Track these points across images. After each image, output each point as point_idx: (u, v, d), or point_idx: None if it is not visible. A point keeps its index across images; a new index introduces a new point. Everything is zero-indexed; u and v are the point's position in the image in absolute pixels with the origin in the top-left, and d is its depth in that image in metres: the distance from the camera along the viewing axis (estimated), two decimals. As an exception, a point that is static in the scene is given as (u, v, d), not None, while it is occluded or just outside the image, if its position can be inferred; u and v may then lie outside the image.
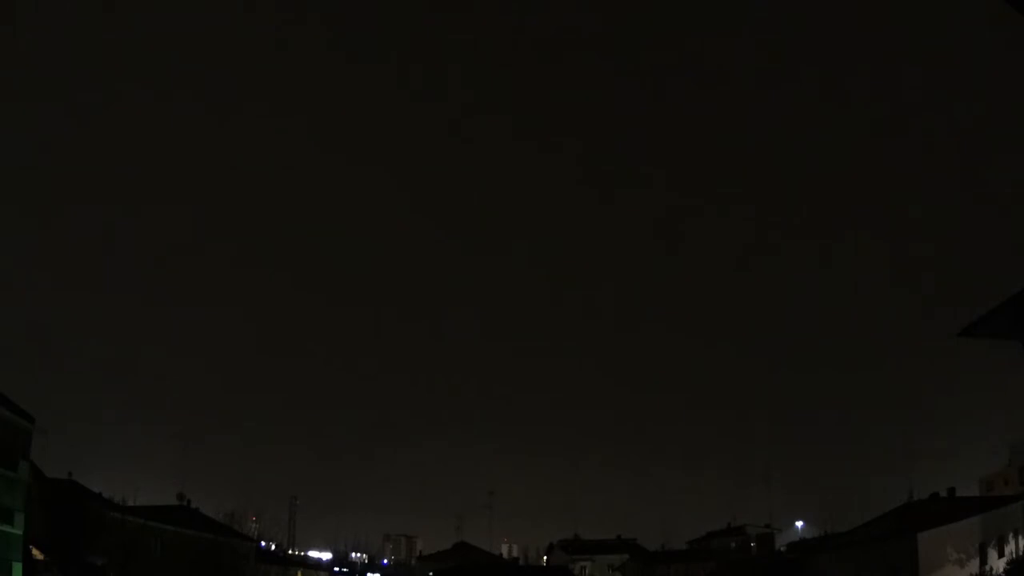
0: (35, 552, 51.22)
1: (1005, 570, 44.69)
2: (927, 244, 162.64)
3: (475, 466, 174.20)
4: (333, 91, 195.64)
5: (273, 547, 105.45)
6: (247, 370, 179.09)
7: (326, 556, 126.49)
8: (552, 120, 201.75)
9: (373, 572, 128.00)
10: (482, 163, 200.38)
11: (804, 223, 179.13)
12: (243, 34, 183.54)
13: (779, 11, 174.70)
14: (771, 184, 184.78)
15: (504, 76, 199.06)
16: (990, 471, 71.66)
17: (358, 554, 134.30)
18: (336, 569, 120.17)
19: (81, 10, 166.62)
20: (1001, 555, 46.19)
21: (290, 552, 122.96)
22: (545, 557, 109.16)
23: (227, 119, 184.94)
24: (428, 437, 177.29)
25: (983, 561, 46.34)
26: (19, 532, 47.92)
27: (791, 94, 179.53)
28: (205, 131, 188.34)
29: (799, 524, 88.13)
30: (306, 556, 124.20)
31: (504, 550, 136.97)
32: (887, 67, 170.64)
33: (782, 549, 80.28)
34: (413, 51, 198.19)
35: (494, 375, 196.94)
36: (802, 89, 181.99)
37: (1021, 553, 45.06)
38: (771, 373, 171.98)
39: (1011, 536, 46.39)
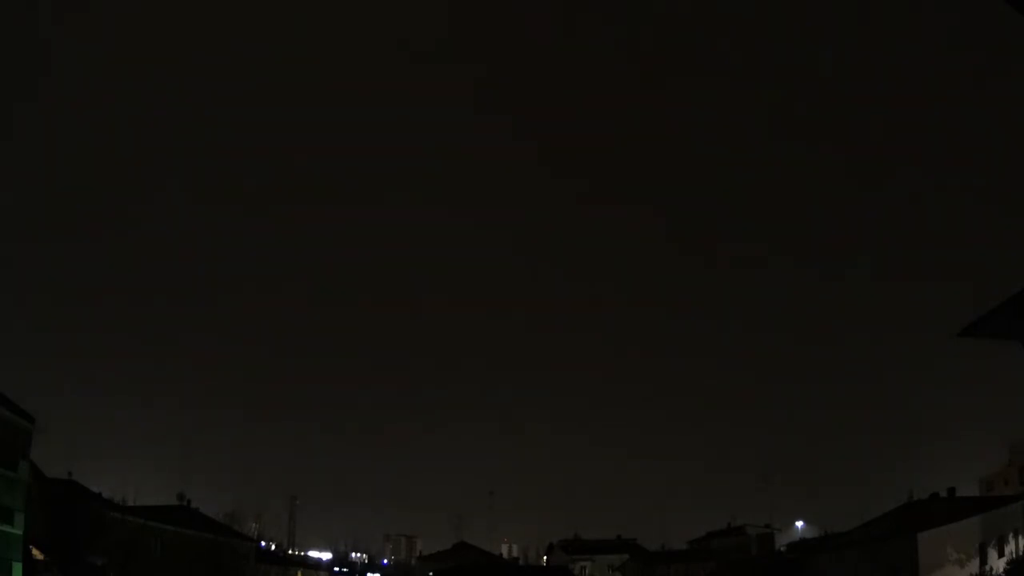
0: (35, 552, 51.20)
1: (1005, 570, 44.66)
2: (927, 244, 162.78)
3: (475, 466, 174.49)
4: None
5: (273, 547, 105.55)
6: (247, 370, 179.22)
7: (326, 556, 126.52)
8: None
9: (373, 572, 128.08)
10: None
11: (803, 224, 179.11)
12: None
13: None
14: (768, 189, 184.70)
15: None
16: (990, 471, 71.65)
17: (358, 554, 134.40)
18: (336, 569, 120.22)
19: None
20: (1001, 555, 46.17)
21: (290, 552, 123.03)
22: (545, 557, 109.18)
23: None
24: (428, 437, 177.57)
25: (983, 561, 46.32)
26: (19, 532, 47.88)
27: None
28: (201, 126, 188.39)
29: (799, 524, 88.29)
30: (306, 556, 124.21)
31: (504, 550, 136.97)
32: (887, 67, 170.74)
33: (782, 549, 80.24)
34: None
35: (494, 376, 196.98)
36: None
37: (1021, 553, 45.04)
38: (771, 373, 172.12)
39: (1011, 536, 46.37)
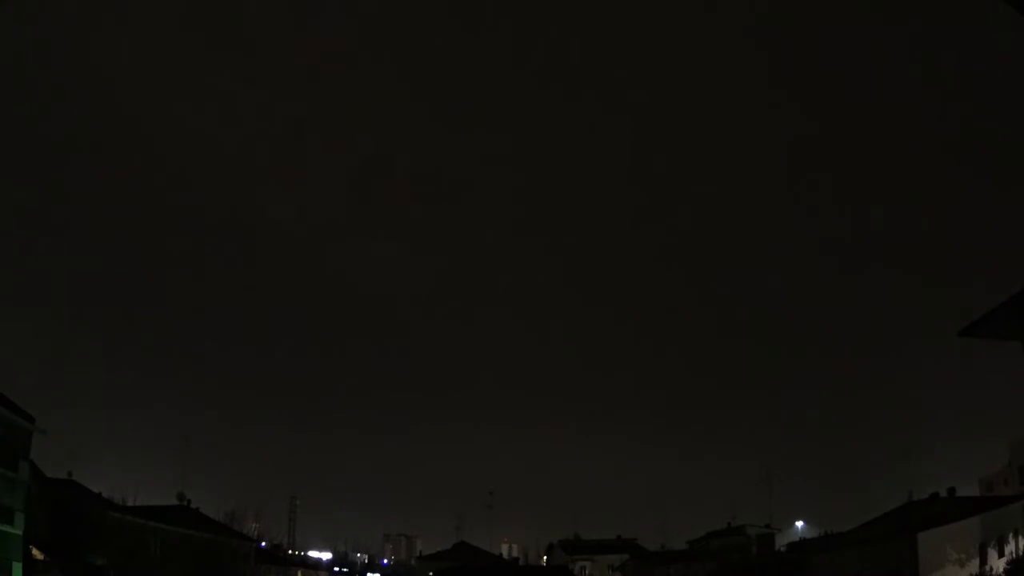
0: (35, 552, 51.27)
1: (1005, 570, 44.69)
2: (927, 244, 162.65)
3: (475, 466, 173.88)
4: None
5: (273, 547, 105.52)
6: (247, 370, 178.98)
7: (326, 556, 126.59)
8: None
9: (373, 572, 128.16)
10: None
11: (803, 225, 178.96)
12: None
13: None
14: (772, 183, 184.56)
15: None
16: (990, 471, 71.56)
17: (358, 554, 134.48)
18: (336, 569, 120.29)
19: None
20: (1001, 555, 46.19)
21: (290, 552, 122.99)
22: (545, 557, 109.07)
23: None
24: (428, 437, 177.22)
25: (983, 561, 46.35)
26: (19, 532, 47.95)
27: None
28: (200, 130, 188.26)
29: (799, 524, 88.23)
30: (306, 556, 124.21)
31: (504, 550, 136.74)
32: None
33: (782, 549, 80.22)
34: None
35: (494, 376, 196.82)
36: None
37: (1021, 553, 45.07)
38: (771, 373, 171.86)
39: (1011, 536, 46.39)
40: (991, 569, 45.66)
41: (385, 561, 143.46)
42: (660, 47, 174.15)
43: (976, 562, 46.38)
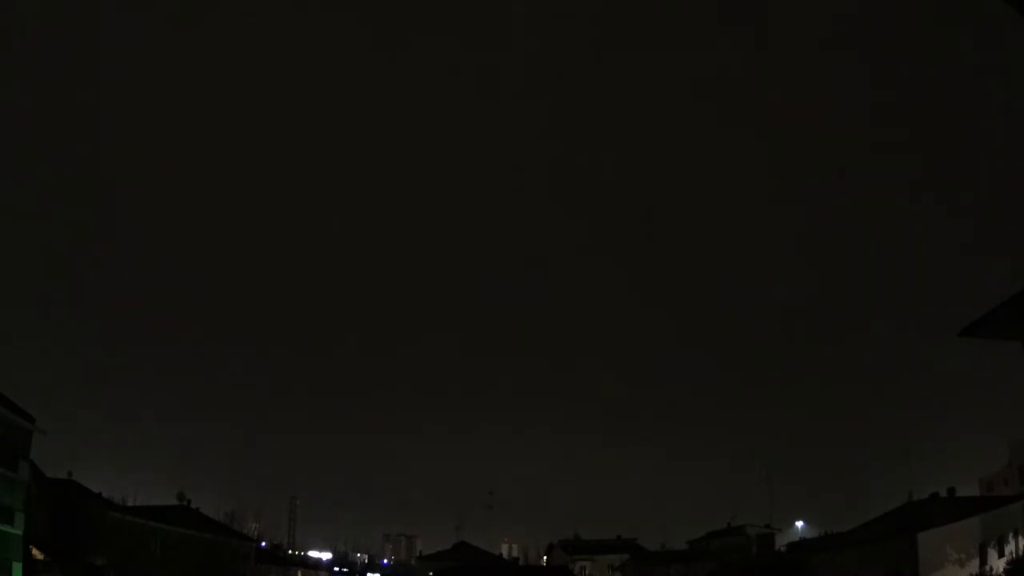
0: (35, 552, 51.24)
1: (1005, 570, 44.61)
2: (927, 244, 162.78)
3: (475, 466, 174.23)
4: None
5: (273, 547, 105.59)
6: (247, 370, 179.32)
7: (326, 556, 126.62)
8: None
9: (373, 572, 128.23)
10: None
11: (804, 224, 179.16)
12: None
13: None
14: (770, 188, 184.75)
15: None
16: (990, 471, 71.51)
17: (358, 554, 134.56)
18: (336, 569, 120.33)
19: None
20: (1001, 555, 46.12)
21: (290, 552, 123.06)
22: (545, 557, 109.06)
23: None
24: (428, 437, 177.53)
25: (983, 561, 46.28)
26: (19, 532, 47.91)
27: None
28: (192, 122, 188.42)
29: (799, 524, 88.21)
30: (306, 556, 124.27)
31: (504, 550, 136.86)
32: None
33: (782, 549, 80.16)
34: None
35: (494, 376, 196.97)
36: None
37: (1021, 553, 44.99)
38: (771, 373, 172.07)
39: (1011, 536, 46.32)
40: (991, 569, 45.59)
41: (385, 561, 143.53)
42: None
43: (976, 562, 46.31)
